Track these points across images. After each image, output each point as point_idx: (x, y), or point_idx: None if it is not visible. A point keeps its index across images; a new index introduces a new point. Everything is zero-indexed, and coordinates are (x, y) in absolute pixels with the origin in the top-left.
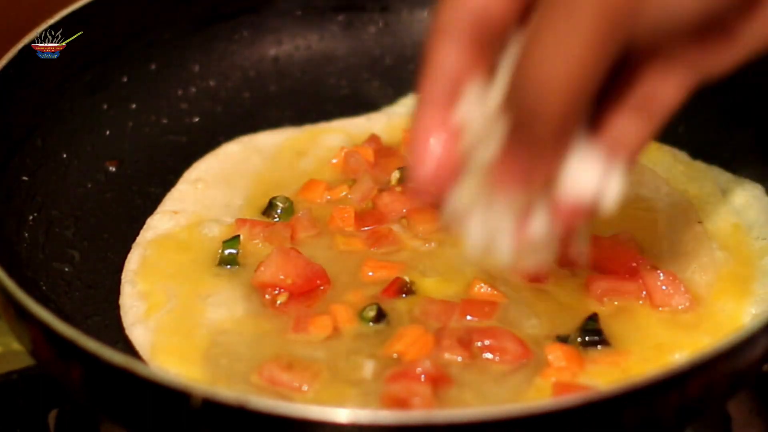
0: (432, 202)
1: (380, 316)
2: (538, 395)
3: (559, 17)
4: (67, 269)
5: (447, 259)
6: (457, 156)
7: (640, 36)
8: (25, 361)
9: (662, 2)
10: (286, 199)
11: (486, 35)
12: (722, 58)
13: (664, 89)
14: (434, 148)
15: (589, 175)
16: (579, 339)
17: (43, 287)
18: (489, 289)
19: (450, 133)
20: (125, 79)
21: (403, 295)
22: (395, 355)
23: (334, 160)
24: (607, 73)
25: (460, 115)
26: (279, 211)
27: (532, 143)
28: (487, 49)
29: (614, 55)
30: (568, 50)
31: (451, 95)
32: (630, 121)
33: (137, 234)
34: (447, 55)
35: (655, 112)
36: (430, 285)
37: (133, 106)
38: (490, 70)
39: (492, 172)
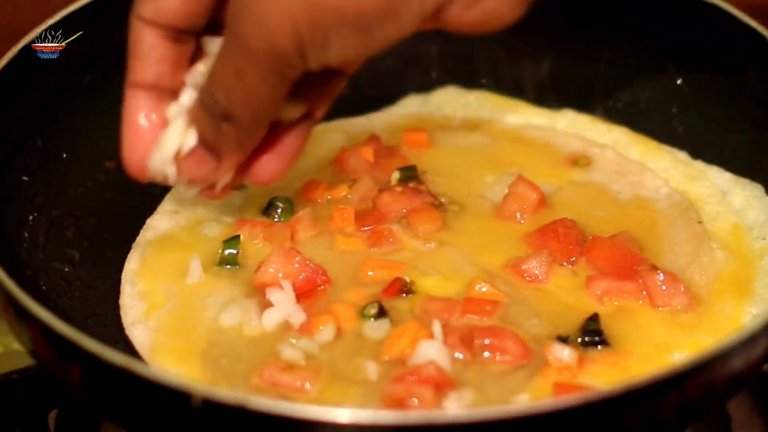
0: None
1: (381, 314)
2: (538, 395)
3: (239, 54)
4: (67, 269)
5: (447, 259)
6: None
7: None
8: (25, 361)
9: (322, 54)
10: (286, 199)
11: (176, 29)
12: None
13: None
14: (141, 130)
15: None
16: (579, 339)
17: (43, 287)
18: (490, 288)
19: (156, 112)
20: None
21: (404, 295)
22: (395, 355)
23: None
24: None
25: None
26: (279, 211)
27: (218, 136)
28: (181, 40)
29: (290, 83)
30: (246, 82)
31: (157, 76)
32: None
33: (137, 234)
34: (149, 41)
35: None
36: (431, 284)
37: None
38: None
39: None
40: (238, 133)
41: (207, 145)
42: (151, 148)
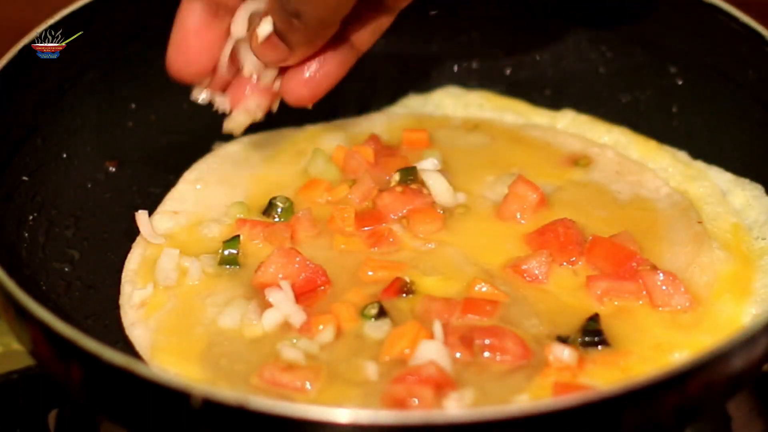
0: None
1: (381, 314)
2: (538, 395)
3: None
4: (67, 269)
5: (447, 259)
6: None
7: None
8: (25, 361)
9: None
10: (286, 199)
11: None
12: None
13: None
14: (192, 47)
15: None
16: (579, 339)
17: (43, 287)
18: (490, 288)
19: (211, 33)
20: (125, 79)
21: (404, 295)
22: (395, 356)
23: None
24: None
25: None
26: (279, 211)
27: (289, 30)
28: None
29: None
30: None
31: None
32: None
33: (137, 234)
34: None
35: None
36: (431, 284)
37: (133, 106)
38: None
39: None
40: (307, 31)
41: (280, 35)
42: (197, 56)
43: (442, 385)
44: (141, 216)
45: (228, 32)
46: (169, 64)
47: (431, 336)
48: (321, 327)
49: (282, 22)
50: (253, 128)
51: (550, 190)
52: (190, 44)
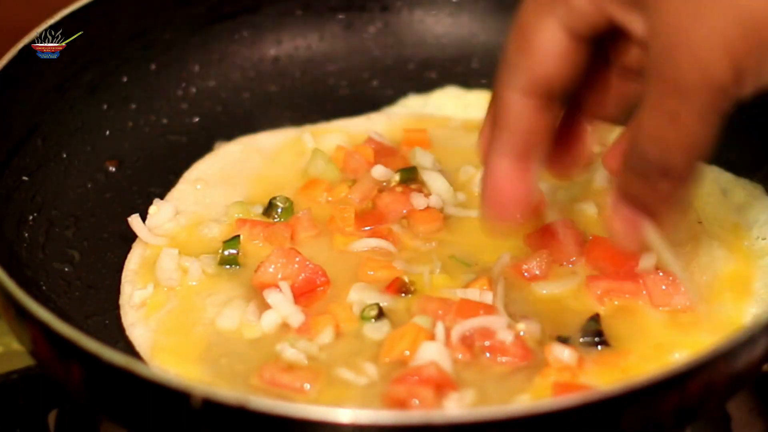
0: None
1: (381, 315)
2: (538, 395)
3: (670, 96)
4: (67, 269)
5: (447, 259)
6: (528, 202)
7: (744, 98)
8: (25, 361)
9: (758, 78)
10: (286, 199)
11: (549, 97)
12: None
13: None
14: (507, 199)
15: None
16: (580, 339)
17: (43, 287)
18: (488, 289)
19: (524, 182)
20: (125, 79)
21: (403, 295)
22: (395, 357)
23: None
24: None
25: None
26: (279, 211)
27: (655, 196)
28: (552, 109)
29: (722, 118)
30: (682, 126)
31: (525, 147)
32: None
33: (137, 234)
34: (520, 111)
35: None
36: (430, 285)
37: (133, 106)
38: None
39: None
40: (676, 185)
41: (638, 207)
42: (508, 209)
43: (442, 385)
44: (134, 220)
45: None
46: (488, 224)
47: (431, 337)
48: (320, 328)
49: (645, 190)
50: (253, 129)
51: (550, 191)
52: (503, 196)
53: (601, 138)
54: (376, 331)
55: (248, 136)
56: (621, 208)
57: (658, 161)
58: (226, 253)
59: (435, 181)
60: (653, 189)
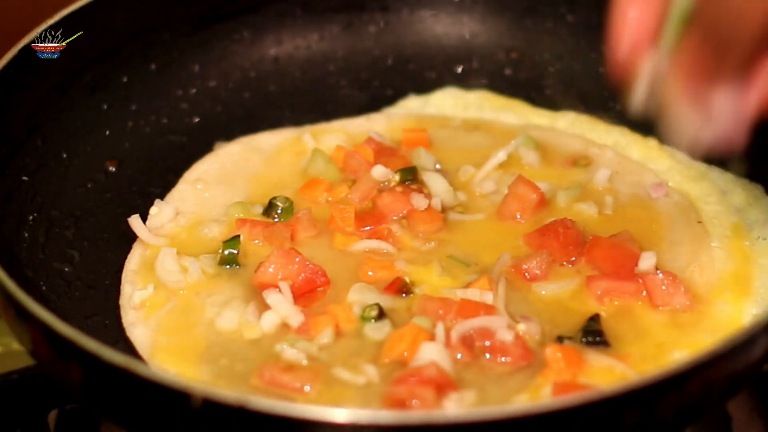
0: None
1: (381, 315)
2: (538, 395)
3: None
4: (67, 269)
5: (447, 259)
6: (652, 29)
7: None
8: (25, 361)
9: None
10: (286, 199)
11: None
12: None
13: None
14: (633, 22)
15: None
16: (580, 339)
17: (43, 287)
18: (488, 289)
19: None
20: (125, 79)
21: (403, 295)
22: (395, 358)
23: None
24: None
25: None
26: (279, 211)
27: (723, 60)
28: None
29: None
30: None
31: None
32: None
33: (137, 234)
34: None
35: None
36: (430, 285)
37: (133, 106)
38: None
39: (680, 72)
40: (738, 54)
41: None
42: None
43: (442, 386)
44: (134, 220)
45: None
46: (611, 60)
47: (431, 338)
48: (320, 328)
49: (706, 53)
50: (253, 128)
51: (550, 190)
52: (629, 33)
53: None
54: (377, 331)
55: (248, 136)
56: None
57: (726, 26)
58: (226, 253)
59: (435, 182)
60: (717, 53)
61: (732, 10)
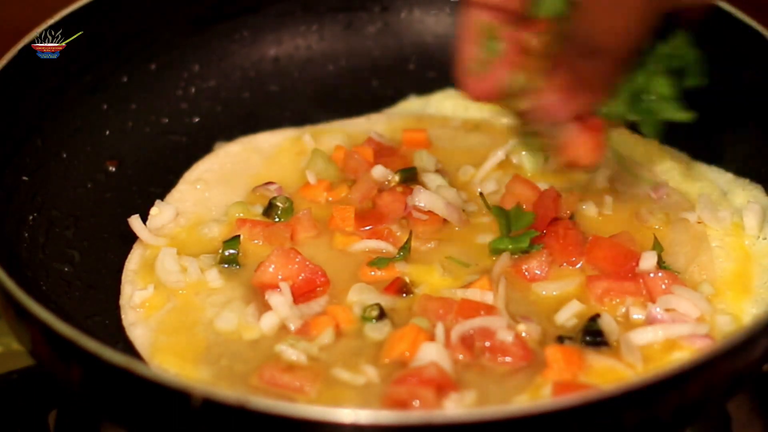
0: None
1: (382, 315)
2: (538, 395)
3: None
4: (67, 269)
5: (447, 259)
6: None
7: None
8: (25, 361)
9: None
10: (286, 199)
11: None
12: None
13: None
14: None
15: None
16: (580, 339)
17: (43, 287)
18: (488, 289)
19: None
20: (125, 79)
21: (403, 295)
22: (395, 358)
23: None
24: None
25: None
26: (279, 211)
27: (595, 74)
28: None
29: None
30: (621, 14)
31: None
32: None
33: (137, 234)
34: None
35: None
36: (430, 285)
37: (133, 106)
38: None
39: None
40: (608, 68)
41: (576, 81)
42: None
43: (443, 386)
44: (134, 220)
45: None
46: (463, 87)
47: (430, 338)
48: (320, 329)
49: (580, 63)
50: (253, 129)
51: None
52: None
53: None
54: (378, 331)
55: (248, 136)
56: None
57: (595, 39)
58: (226, 253)
59: (434, 183)
60: (587, 63)
61: (600, 26)
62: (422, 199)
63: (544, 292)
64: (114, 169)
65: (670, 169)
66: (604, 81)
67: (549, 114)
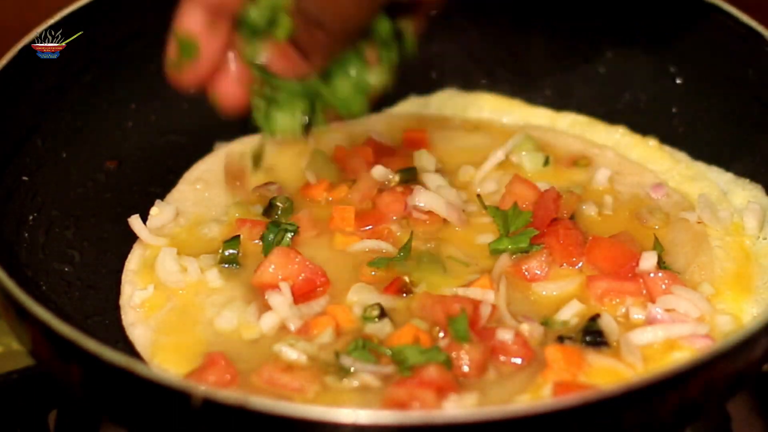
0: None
1: (383, 315)
2: (538, 395)
3: None
4: (67, 269)
5: (446, 259)
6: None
7: None
8: (25, 361)
9: None
10: (286, 199)
11: None
12: None
13: None
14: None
15: None
16: (580, 339)
17: (43, 287)
18: (489, 288)
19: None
20: (125, 79)
21: (404, 295)
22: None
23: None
24: None
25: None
26: (279, 211)
27: (312, 42)
28: None
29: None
30: None
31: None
32: None
33: (137, 234)
34: None
35: None
36: (430, 284)
37: (133, 106)
38: None
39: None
40: (328, 40)
41: (298, 46)
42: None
43: (443, 387)
44: (134, 220)
45: (229, 36)
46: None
47: (430, 338)
48: (320, 329)
49: (303, 32)
50: (253, 129)
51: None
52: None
53: None
54: (378, 331)
55: (248, 136)
56: (287, 46)
57: (316, 14)
58: (226, 253)
59: (434, 183)
60: (310, 34)
61: (322, 3)
62: (422, 199)
63: (544, 292)
64: (114, 169)
65: (670, 169)
66: (323, 53)
67: (277, 70)
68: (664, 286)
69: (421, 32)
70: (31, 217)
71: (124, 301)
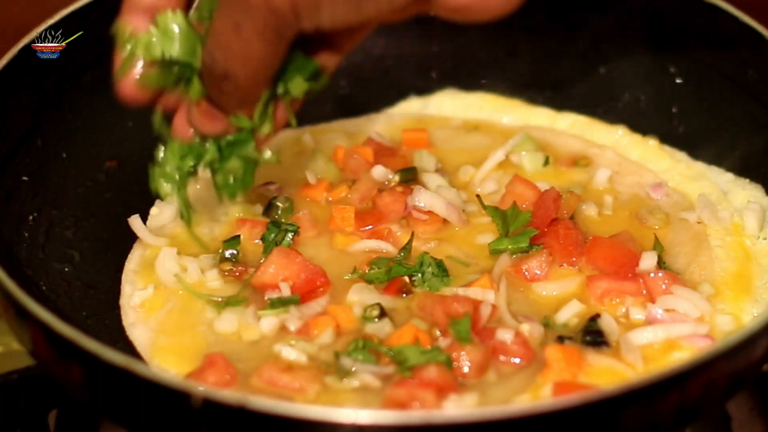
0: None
1: (383, 315)
2: (538, 395)
3: (236, 9)
4: (67, 269)
5: (447, 259)
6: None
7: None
8: (25, 361)
9: (315, 18)
10: (286, 199)
11: None
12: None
13: None
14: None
15: None
16: (580, 339)
17: (43, 287)
18: (489, 288)
19: None
20: None
21: (404, 295)
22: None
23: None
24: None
25: None
26: (279, 211)
27: (221, 96)
28: None
29: (286, 44)
30: (243, 38)
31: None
32: None
33: (137, 234)
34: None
35: None
36: (430, 284)
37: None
38: None
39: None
40: (238, 92)
41: (213, 102)
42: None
43: (443, 387)
44: (134, 220)
45: None
46: (119, 89)
47: (430, 338)
48: (320, 329)
49: (212, 87)
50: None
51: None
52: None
53: None
54: (379, 330)
55: None
56: (204, 103)
57: (222, 65)
58: (226, 253)
59: (434, 183)
60: (219, 88)
61: (225, 52)
62: (422, 199)
63: (544, 292)
64: (114, 169)
65: (670, 169)
66: (237, 103)
67: (197, 128)
68: (664, 286)
69: (336, 68)
70: (31, 217)
71: (124, 301)
